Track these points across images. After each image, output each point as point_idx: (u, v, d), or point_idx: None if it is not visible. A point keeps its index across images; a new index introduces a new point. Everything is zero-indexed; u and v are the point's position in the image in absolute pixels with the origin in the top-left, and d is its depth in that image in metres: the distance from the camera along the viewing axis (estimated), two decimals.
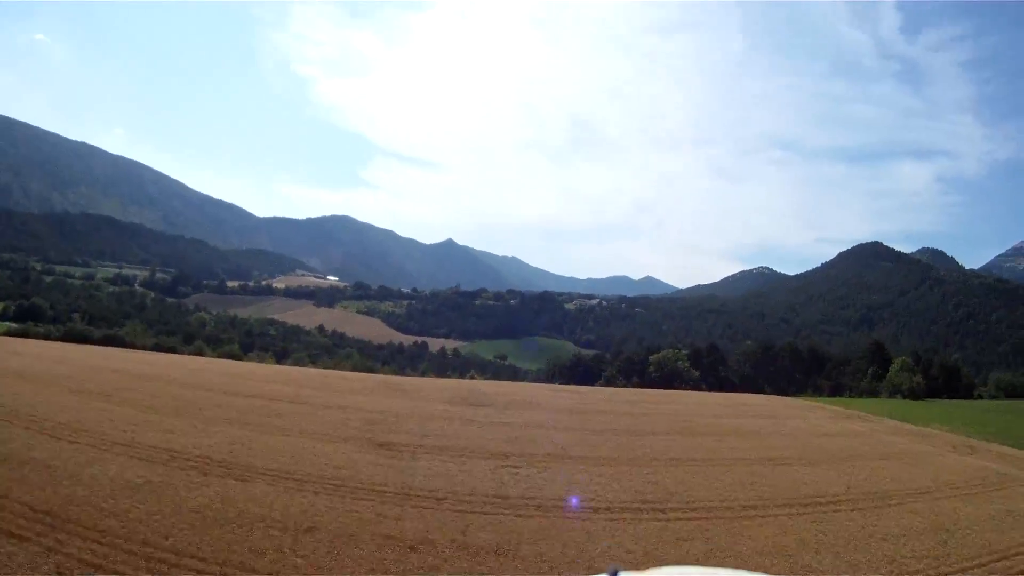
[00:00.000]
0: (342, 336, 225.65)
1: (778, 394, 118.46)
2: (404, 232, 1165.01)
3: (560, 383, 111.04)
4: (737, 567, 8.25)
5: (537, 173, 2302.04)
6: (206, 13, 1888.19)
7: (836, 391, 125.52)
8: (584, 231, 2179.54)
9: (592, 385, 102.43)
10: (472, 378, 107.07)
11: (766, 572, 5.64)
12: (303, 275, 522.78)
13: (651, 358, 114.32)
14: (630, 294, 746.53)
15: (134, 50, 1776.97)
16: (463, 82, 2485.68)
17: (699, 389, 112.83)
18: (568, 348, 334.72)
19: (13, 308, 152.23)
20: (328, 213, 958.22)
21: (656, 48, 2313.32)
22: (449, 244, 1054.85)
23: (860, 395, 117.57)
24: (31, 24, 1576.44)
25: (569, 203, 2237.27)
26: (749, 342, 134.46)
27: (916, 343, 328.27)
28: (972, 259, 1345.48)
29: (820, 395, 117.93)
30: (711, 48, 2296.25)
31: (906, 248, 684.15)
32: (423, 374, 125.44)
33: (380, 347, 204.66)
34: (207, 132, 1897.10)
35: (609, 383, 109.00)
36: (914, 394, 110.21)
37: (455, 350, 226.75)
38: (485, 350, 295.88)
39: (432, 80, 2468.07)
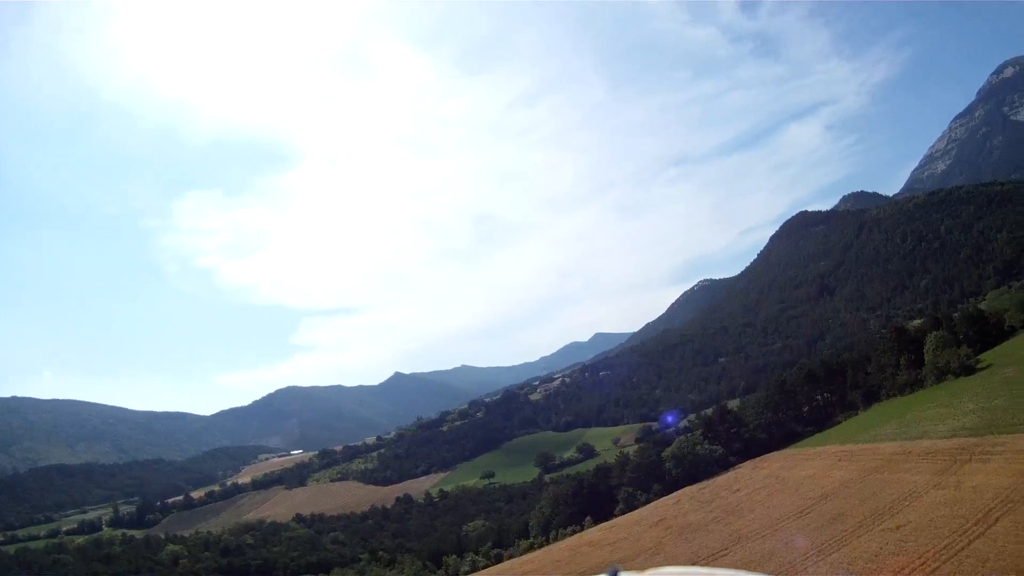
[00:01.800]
0: (321, 517, 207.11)
1: (816, 427, 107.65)
2: (351, 381, 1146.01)
3: (569, 512, 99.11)
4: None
5: (457, 280, 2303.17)
6: (99, 235, 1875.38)
7: (871, 397, 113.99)
8: (521, 316, 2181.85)
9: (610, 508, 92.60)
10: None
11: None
12: (268, 458, 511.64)
13: (664, 454, 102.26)
14: (585, 357, 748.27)
15: (38, 291, 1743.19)
16: (358, 220, 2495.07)
17: (729, 465, 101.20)
18: (548, 436, 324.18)
19: None
20: (273, 389, 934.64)
21: (526, 121, 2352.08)
22: (397, 377, 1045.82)
23: (900, 392, 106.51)
24: None
25: (497, 295, 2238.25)
26: (756, 394, 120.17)
27: (881, 290, 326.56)
28: (892, 185, 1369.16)
29: (855, 412, 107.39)
30: (577, 100, 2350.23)
31: (828, 204, 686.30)
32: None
33: (364, 517, 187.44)
34: (133, 351, 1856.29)
35: (630, 504, 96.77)
36: (966, 368, 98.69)
37: (441, 492, 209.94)
38: (470, 473, 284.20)
39: (329, 229, 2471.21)
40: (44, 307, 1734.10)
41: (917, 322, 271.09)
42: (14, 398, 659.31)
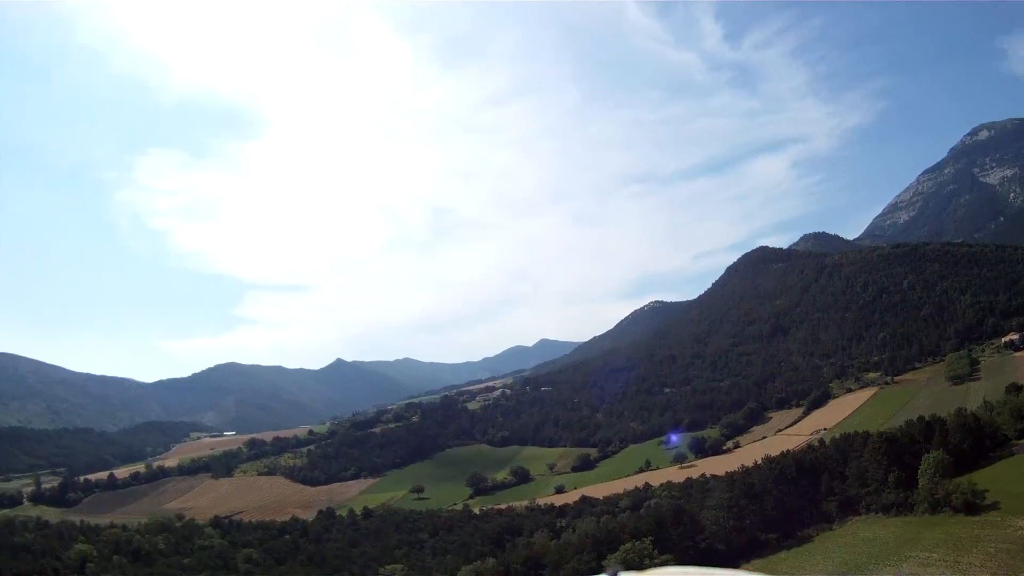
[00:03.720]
0: (239, 525, 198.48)
1: (781, 534, 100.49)
2: (292, 363, 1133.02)
3: None
4: None
5: (407, 271, 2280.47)
6: (55, 180, 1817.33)
7: (848, 508, 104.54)
8: (468, 314, 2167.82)
9: None
10: None
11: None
12: (200, 437, 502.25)
13: (606, 563, 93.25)
14: (528, 364, 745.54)
15: None
16: (316, 198, 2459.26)
17: None
18: (483, 450, 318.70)
19: None
20: (214, 363, 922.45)
21: (495, 120, 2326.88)
22: (339, 364, 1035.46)
23: (885, 512, 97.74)
24: None
25: (446, 290, 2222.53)
26: (717, 498, 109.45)
27: (837, 337, 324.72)
28: (852, 229, 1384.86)
29: (830, 525, 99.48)
30: (549, 106, 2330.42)
31: (787, 240, 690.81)
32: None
33: (283, 531, 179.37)
34: (76, 307, 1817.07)
35: None
36: (970, 507, 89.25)
37: (365, 511, 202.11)
38: (399, 483, 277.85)
39: (286, 204, 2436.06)
40: None
41: (873, 374, 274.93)
42: None
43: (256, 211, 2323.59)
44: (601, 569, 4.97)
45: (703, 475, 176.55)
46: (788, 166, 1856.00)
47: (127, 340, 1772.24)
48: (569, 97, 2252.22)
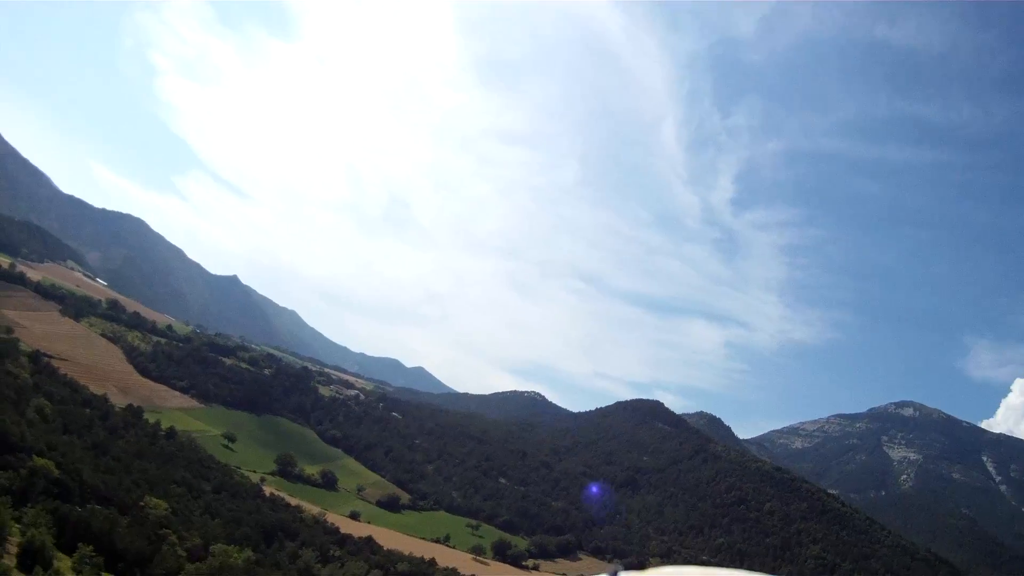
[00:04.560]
0: (53, 374, 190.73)
1: None
2: (193, 255, 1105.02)
3: None
4: None
5: (342, 237, 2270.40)
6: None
7: None
8: (371, 306, 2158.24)
9: None
10: None
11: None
12: (72, 268, 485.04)
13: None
14: (397, 381, 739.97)
15: None
16: (299, 122, 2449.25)
17: None
18: (309, 437, 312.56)
19: None
20: (126, 211, 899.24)
21: (492, 153, 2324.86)
22: (233, 280, 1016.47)
23: None
24: None
25: (365, 275, 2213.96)
26: None
27: (680, 516, 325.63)
28: (746, 429, 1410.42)
29: None
30: (545, 168, 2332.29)
31: (683, 406, 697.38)
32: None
33: (87, 403, 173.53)
34: (45, 90, 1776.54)
35: None
36: None
37: (171, 429, 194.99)
38: (218, 420, 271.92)
39: (271, 112, 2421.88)
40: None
41: None
42: None
43: (243, 102, 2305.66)
44: None
45: None
46: (722, 343, 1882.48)
47: (69, 143, 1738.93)
48: (568, 172, 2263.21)
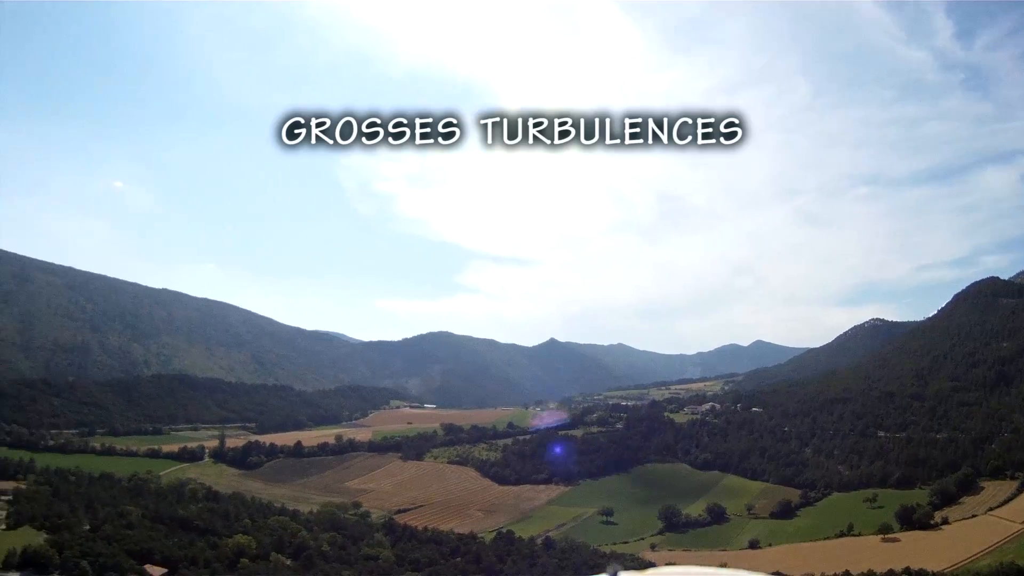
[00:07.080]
0: (412, 536, 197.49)
1: None
2: (504, 338, 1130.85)
3: None
4: None
5: (630, 254, 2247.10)
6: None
7: None
8: (686, 304, 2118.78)
9: None
10: None
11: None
12: (398, 407, 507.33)
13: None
14: (742, 365, 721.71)
15: (214, 189, 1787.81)
16: (545, 175, 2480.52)
17: None
18: (682, 472, 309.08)
19: None
20: (427, 329, 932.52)
21: (726, 109, 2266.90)
22: (552, 344, 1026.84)
23: None
24: (109, 170, 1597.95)
25: (667, 278, 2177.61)
26: None
27: None
28: None
29: None
30: (778, 98, 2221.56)
31: (1013, 259, 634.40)
32: None
33: (455, 551, 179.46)
34: (296, 262, 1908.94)
35: None
36: None
37: (546, 541, 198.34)
38: (590, 497, 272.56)
39: (512, 178, 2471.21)
40: (219, 203, 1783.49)
41: None
42: (165, 290, 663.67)
43: (482, 183, 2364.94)
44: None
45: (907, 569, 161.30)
46: (1017, 179, 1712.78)
47: (344, 297, 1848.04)
48: (799, 90, 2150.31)
